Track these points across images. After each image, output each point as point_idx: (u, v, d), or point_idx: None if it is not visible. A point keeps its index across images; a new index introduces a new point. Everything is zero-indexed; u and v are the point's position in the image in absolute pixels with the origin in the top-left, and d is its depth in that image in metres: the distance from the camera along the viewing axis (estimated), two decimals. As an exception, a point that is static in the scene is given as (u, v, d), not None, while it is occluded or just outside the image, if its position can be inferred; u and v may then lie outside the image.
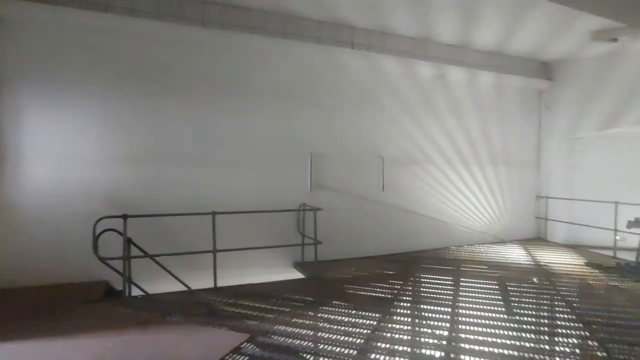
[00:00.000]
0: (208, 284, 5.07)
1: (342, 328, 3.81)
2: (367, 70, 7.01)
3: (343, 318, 4.09)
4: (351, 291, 5.06)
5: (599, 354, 3.32)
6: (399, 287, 5.23)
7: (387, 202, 7.24)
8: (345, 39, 6.55)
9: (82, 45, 5.21)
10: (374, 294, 4.95)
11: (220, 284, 5.09)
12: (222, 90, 5.98)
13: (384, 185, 7.17)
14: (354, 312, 4.25)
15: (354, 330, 3.76)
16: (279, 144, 6.38)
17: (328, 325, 3.89)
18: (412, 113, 7.46)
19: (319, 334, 3.74)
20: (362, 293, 5.00)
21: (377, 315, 4.14)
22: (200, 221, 5.18)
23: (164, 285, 5.07)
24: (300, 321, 3.96)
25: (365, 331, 3.74)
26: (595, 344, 3.52)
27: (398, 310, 4.36)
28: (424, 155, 7.63)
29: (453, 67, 7.50)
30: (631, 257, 6.24)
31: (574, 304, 4.61)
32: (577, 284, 5.47)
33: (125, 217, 4.63)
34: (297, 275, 6.07)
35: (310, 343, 3.50)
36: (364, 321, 3.99)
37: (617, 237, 7.02)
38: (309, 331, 3.76)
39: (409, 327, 3.93)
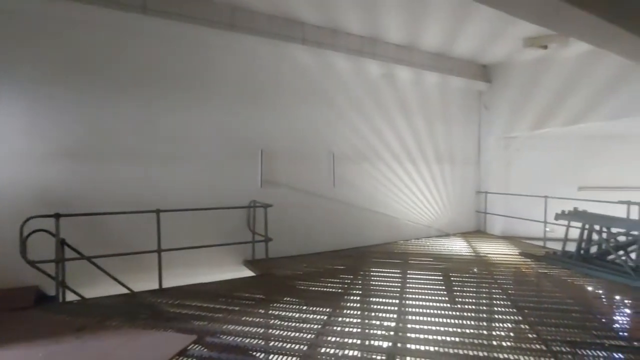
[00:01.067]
0: (152, 285, 4.84)
1: (293, 324, 3.80)
2: (318, 67, 7.04)
3: (294, 314, 4.09)
4: (302, 287, 5.06)
5: (529, 335, 3.59)
6: (349, 281, 5.32)
7: (338, 198, 7.33)
8: (296, 34, 6.51)
9: (5, 31, 4.73)
10: (324, 289, 5.00)
11: (165, 284, 4.88)
12: (167, 82, 5.71)
13: (335, 181, 7.25)
14: (304, 307, 4.26)
15: (304, 325, 3.76)
16: (228, 140, 6.22)
17: (279, 322, 3.87)
18: (363, 111, 7.62)
19: (270, 331, 3.71)
20: (313, 289, 5.02)
21: (327, 310, 4.18)
22: (144, 220, 4.91)
23: (102, 289, 4.74)
24: (251, 319, 3.90)
25: (315, 326, 3.75)
26: (527, 327, 3.80)
27: (348, 304, 4.43)
28: (374, 152, 7.82)
29: (401, 67, 7.72)
30: (558, 246, 6.82)
31: (509, 291, 4.96)
32: (512, 272, 5.88)
33: (57, 216, 4.28)
34: (248, 273, 5.97)
35: (261, 341, 3.46)
36: (315, 316, 4.01)
37: (547, 229, 7.65)
38: (259, 329, 3.71)
39: (359, 320, 4.01)
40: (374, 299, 4.62)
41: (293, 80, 6.82)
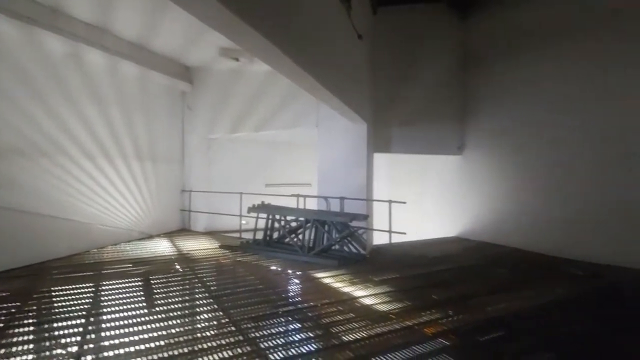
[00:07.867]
0: None
1: None
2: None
3: None
4: None
5: (223, 321, 3.90)
6: (15, 310, 4.11)
7: (1, 204, 5.54)
8: None
9: None
10: (-28, 330, 3.64)
11: None
12: None
13: (-5, 182, 5.45)
14: None
15: None
16: None
17: None
18: (39, 94, 6.07)
19: None
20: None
21: (-25, 356, 3.06)
22: None
23: None
24: None
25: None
26: (222, 313, 4.11)
27: (13, 340, 3.41)
28: (56, 146, 6.40)
29: (91, 49, 6.70)
30: (252, 236, 7.85)
31: (209, 283, 5.25)
32: (212, 265, 6.27)
33: None
34: None
35: None
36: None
37: (243, 222, 8.65)
38: None
39: (31, 357, 3.15)
40: (55, 324, 3.77)
41: None
